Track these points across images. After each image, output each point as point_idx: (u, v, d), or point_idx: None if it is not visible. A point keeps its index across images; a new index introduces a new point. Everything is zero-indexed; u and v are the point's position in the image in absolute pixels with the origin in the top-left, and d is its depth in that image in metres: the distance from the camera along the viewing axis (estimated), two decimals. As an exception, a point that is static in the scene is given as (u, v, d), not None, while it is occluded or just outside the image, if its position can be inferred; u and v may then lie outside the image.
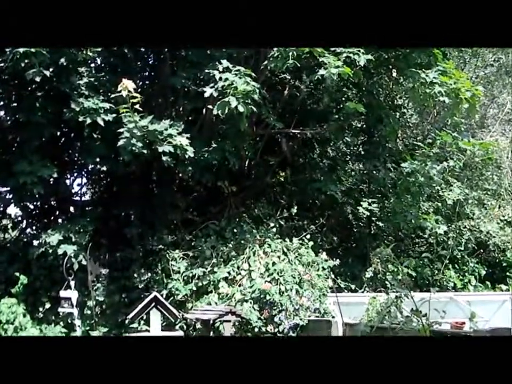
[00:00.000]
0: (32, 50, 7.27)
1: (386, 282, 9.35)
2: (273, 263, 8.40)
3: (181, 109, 10.08)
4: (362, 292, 9.68)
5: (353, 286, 9.66)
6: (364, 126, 11.90)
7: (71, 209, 10.10)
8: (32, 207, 9.97)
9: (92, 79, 8.66)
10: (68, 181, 10.41)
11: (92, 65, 9.51)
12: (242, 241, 8.93)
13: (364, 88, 10.84)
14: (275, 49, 8.02)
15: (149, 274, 8.99)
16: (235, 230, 9.25)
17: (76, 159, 10.23)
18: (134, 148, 7.70)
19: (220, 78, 7.85)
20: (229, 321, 7.43)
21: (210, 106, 8.43)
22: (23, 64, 7.48)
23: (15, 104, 9.00)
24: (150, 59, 10.63)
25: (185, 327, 8.31)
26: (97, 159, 9.24)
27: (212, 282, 8.46)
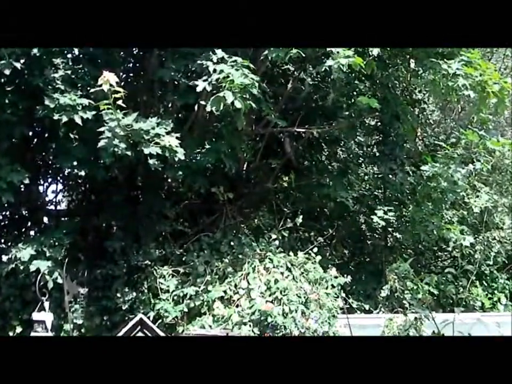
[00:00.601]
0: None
1: (405, 301, 9.35)
2: (276, 281, 8.40)
3: (169, 105, 10.11)
4: (377, 313, 9.70)
5: (367, 306, 9.69)
6: (378, 123, 11.94)
7: (45, 219, 10.11)
8: (0, 217, 9.97)
9: (69, 72, 8.66)
10: (41, 188, 10.43)
11: (69, 56, 9.48)
12: (240, 256, 8.94)
13: (377, 81, 10.89)
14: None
15: (134, 293, 8.98)
16: (232, 243, 9.25)
17: (50, 162, 10.23)
18: (116, 150, 7.70)
19: (214, 70, 7.87)
20: (225, 346, 7.43)
21: (203, 102, 8.45)
22: (-10, 56, 7.53)
23: (-19, 101, 9.02)
24: (134, 49, 10.64)
25: (175, 353, 8.31)
26: (75, 163, 9.20)
27: (205, 303, 8.46)
